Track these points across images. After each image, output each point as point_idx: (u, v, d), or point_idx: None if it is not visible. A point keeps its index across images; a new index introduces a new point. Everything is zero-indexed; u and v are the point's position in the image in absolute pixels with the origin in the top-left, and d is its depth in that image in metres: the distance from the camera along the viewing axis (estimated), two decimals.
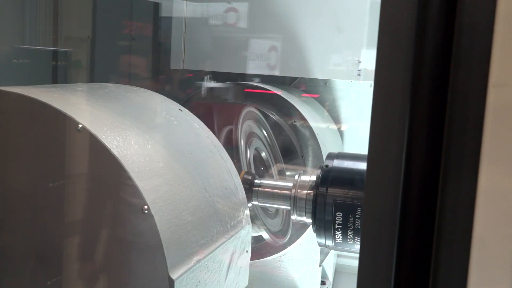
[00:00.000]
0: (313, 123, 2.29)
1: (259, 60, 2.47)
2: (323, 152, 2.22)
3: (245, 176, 2.00)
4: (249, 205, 2.00)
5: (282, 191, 1.96)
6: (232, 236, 1.51)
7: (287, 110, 2.32)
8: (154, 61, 2.71)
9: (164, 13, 2.66)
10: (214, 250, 1.40)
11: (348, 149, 2.67)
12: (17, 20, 1.89)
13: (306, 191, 1.85)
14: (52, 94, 1.37)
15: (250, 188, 1.98)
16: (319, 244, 1.78)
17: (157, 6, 2.62)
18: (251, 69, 2.49)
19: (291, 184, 1.92)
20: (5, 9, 1.85)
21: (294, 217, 1.91)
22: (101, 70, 2.30)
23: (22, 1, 1.89)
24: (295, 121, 2.30)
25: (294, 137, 2.30)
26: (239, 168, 2.02)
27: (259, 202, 2.01)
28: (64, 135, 1.28)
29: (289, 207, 1.92)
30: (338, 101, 2.68)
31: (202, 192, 1.46)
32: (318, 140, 2.25)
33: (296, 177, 1.91)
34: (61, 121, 1.26)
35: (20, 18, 1.90)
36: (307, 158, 2.30)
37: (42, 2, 1.98)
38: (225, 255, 1.47)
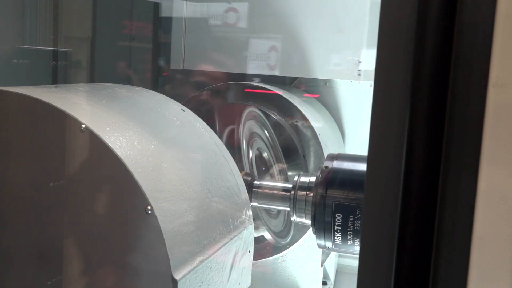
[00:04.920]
0: (314, 123, 2.29)
1: (259, 60, 2.47)
2: (324, 152, 2.22)
3: (245, 177, 2.00)
4: None
5: (281, 193, 1.96)
6: (234, 236, 1.51)
7: (289, 110, 2.32)
8: (154, 61, 2.71)
9: (164, 13, 2.66)
10: (217, 251, 1.40)
11: (350, 149, 2.67)
12: (17, 20, 1.89)
13: (305, 193, 1.85)
14: (55, 95, 1.37)
15: (249, 189, 1.98)
16: (319, 246, 1.78)
17: (157, 6, 2.62)
18: (251, 69, 2.49)
19: (290, 185, 1.91)
20: (5, 9, 1.85)
21: (294, 218, 1.90)
22: (101, 70, 2.30)
23: (22, 1, 1.89)
24: (296, 121, 2.30)
25: (295, 137, 2.30)
26: (240, 169, 2.02)
27: (258, 203, 2.01)
28: (67, 135, 1.28)
29: (288, 209, 1.91)
30: (338, 101, 2.68)
31: (205, 193, 1.45)
32: (320, 140, 2.25)
33: (296, 178, 1.91)
34: (64, 122, 1.26)
35: (20, 18, 1.90)
36: (309, 159, 2.30)
37: (42, 2, 1.98)
38: (227, 255, 1.47)
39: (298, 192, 1.87)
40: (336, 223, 1.67)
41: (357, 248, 1.69)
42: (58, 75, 2.06)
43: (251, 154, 2.21)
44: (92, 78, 2.29)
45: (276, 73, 2.47)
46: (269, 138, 2.35)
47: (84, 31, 2.21)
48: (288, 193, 1.91)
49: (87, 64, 2.24)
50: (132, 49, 2.54)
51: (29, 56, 1.92)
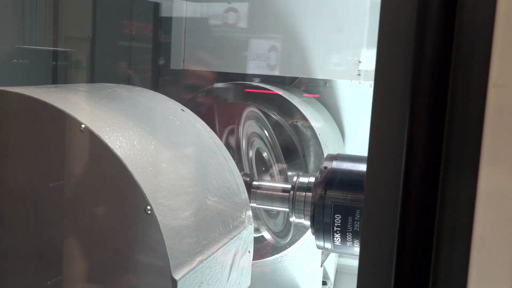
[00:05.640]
0: (314, 123, 2.29)
1: (259, 60, 2.47)
2: (324, 152, 2.22)
3: (243, 177, 2.00)
4: None
5: (280, 193, 1.95)
6: (234, 236, 1.51)
7: (289, 110, 2.32)
8: (154, 61, 2.71)
9: (164, 13, 2.66)
10: (216, 251, 1.40)
11: (349, 149, 2.67)
12: (17, 20, 1.89)
13: (304, 193, 1.84)
14: (55, 95, 1.37)
15: (248, 190, 1.97)
16: (318, 247, 1.77)
17: (157, 6, 2.62)
18: (251, 69, 2.49)
19: (289, 186, 1.91)
20: (5, 9, 1.85)
21: (293, 219, 1.90)
22: (101, 70, 2.30)
23: (22, 1, 1.89)
24: (296, 121, 2.30)
25: (295, 137, 2.30)
26: (240, 169, 2.01)
27: (257, 204, 2.00)
28: (67, 135, 1.28)
29: (287, 209, 1.91)
30: (338, 101, 2.68)
31: (205, 193, 1.46)
32: (320, 140, 2.25)
33: (295, 178, 1.90)
34: (64, 122, 1.26)
35: (20, 18, 1.90)
36: (309, 159, 2.30)
37: (42, 2, 1.98)
38: (227, 255, 1.48)
39: (297, 192, 1.86)
40: (335, 224, 1.67)
41: (356, 249, 1.69)
42: (58, 75, 2.06)
43: (251, 154, 2.21)
44: (92, 78, 2.29)
45: (276, 73, 2.47)
46: (269, 138, 2.35)
47: (84, 31, 2.21)
48: (287, 194, 1.90)
49: (87, 64, 2.24)
50: (132, 49, 2.54)
51: (29, 56, 1.92)
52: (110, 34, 2.39)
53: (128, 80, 2.56)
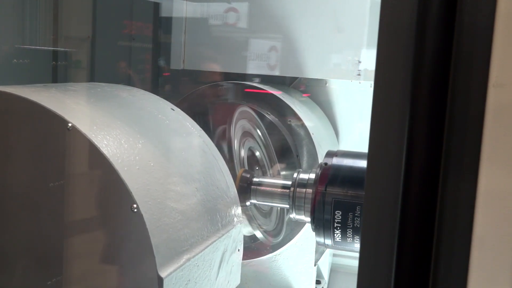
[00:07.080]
0: (308, 123, 2.28)
1: (259, 60, 2.47)
2: (318, 152, 2.21)
3: (244, 174, 1.99)
4: (248, 203, 1.99)
5: (280, 190, 1.95)
6: (223, 235, 1.51)
7: (283, 110, 2.31)
8: (154, 61, 2.71)
9: (164, 13, 2.66)
10: (204, 249, 1.40)
11: (344, 149, 2.66)
12: (17, 20, 1.89)
13: (305, 190, 1.85)
14: (43, 94, 1.37)
15: (248, 187, 1.97)
16: (318, 243, 1.77)
17: (157, 6, 2.62)
18: (251, 69, 2.49)
19: (289, 183, 1.91)
20: (5, 9, 1.85)
21: (293, 216, 1.90)
22: (101, 70, 2.30)
23: (22, 1, 1.89)
24: (290, 121, 2.30)
25: (289, 136, 2.29)
26: (232, 168, 2.01)
27: (257, 201, 2.00)
28: (54, 134, 1.28)
29: (287, 206, 1.91)
30: (338, 101, 2.67)
31: (193, 191, 1.45)
32: (313, 140, 2.24)
33: (295, 175, 1.90)
34: (51, 121, 1.26)
35: (20, 18, 1.90)
36: (302, 158, 2.30)
37: (42, 2, 1.98)
38: (215, 253, 1.48)
39: (297, 189, 1.86)
40: (336, 220, 1.67)
41: (356, 245, 1.69)
42: (58, 75, 2.06)
43: (242, 153, 2.21)
44: (92, 78, 2.29)
45: (276, 73, 2.47)
46: (262, 138, 2.34)
47: (84, 31, 2.20)
48: (287, 190, 1.90)
49: (87, 64, 2.24)
50: (132, 49, 2.54)
51: (29, 56, 1.92)
52: (110, 34, 2.39)
53: (128, 80, 2.56)
